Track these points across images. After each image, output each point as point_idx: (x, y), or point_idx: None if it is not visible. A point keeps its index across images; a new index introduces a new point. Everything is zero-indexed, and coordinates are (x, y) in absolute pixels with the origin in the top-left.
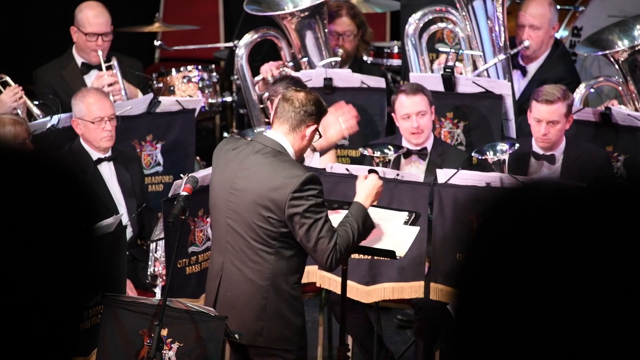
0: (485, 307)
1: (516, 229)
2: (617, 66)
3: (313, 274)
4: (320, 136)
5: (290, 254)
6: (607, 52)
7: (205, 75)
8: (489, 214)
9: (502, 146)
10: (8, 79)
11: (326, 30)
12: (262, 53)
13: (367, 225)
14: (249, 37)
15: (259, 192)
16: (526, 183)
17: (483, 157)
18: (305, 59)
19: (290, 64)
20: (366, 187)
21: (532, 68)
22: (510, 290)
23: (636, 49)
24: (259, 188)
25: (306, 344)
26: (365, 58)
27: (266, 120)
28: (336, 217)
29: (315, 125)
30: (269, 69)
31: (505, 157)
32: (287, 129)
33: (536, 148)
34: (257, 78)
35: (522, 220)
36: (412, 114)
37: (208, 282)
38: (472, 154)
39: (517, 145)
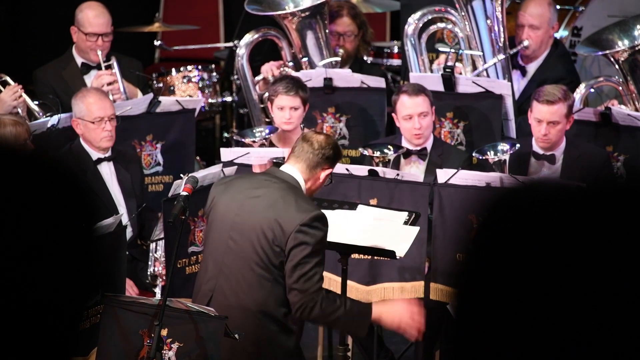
0: (485, 307)
1: (516, 229)
2: (617, 66)
3: None
4: (332, 181)
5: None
6: (607, 52)
7: (205, 75)
8: (488, 213)
9: (503, 146)
10: (8, 78)
11: (327, 30)
12: (262, 53)
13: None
14: (249, 37)
15: (268, 217)
16: (526, 183)
17: (484, 157)
18: (305, 59)
19: (291, 63)
20: (397, 320)
21: (532, 68)
22: (509, 290)
23: (636, 49)
24: (269, 214)
25: None
26: (365, 58)
27: (267, 120)
28: (336, 216)
29: (330, 170)
30: (269, 69)
31: (506, 157)
32: (303, 168)
33: (536, 148)
34: (258, 78)
35: (522, 220)
36: (414, 115)
37: (195, 298)
38: (473, 154)
39: (517, 145)
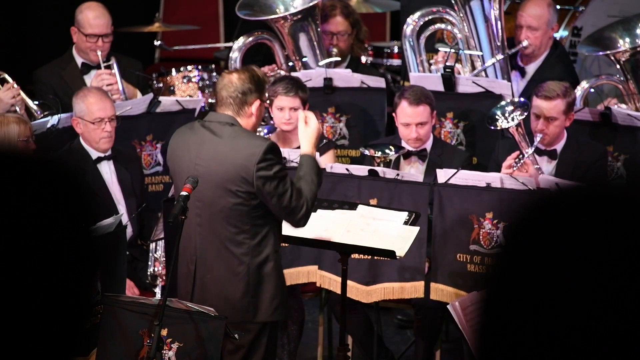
0: (514, 309)
1: (549, 234)
2: (618, 66)
3: (313, 274)
4: (267, 102)
5: (267, 228)
6: (609, 52)
7: (205, 75)
8: (522, 218)
9: (511, 106)
10: (6, 75)
11: (319, 30)
12: (261, 53)
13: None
14: (242, 41)
15: (223, 171)
16: (563, 188)
17: (499, 127)
18: (303, 59)
19: (285, 65)
20: (308, 136)
21: (531, 69)
22: (541, 293)
23: (638, 49)
24: (223, 168)
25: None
26: (364, 58)
27: (262, 123)
28: (336, 216)
29: (259, 101)
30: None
31: (522, 118)
32: (232, 113)
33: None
34: None
35: (555, 225)
36: (412, 124)
37: (181, 280)
38: (487, 123)
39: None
